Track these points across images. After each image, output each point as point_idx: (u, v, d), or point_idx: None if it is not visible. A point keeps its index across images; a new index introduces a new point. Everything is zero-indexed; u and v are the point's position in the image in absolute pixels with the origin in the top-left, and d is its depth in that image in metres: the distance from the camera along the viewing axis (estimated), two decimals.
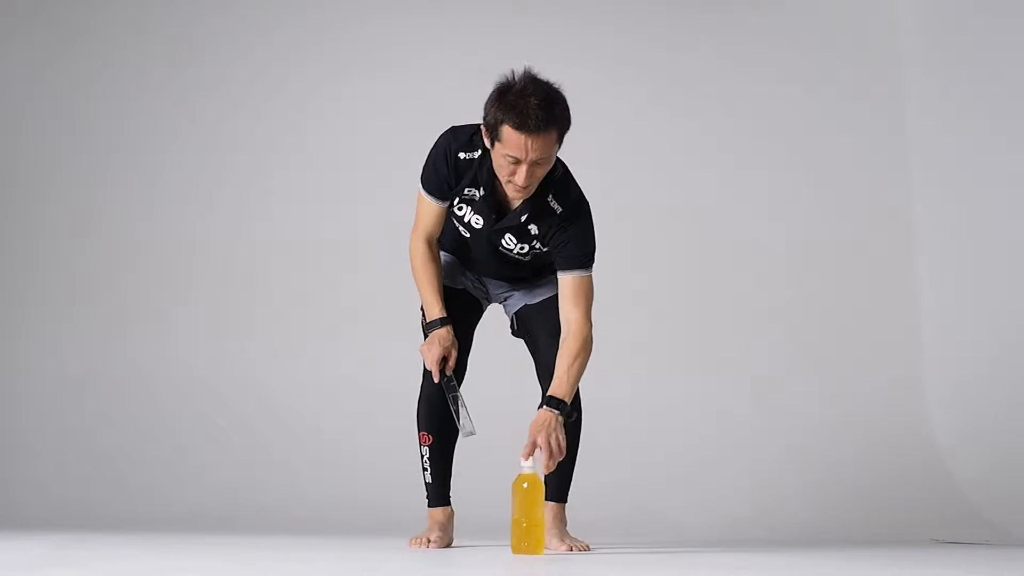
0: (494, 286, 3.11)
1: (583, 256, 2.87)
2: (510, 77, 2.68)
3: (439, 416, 2.95)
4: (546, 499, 2.83)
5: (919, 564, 2.69)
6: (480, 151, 2.83)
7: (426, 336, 2.97)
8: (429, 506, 3.04)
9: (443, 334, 2.91)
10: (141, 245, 4.65)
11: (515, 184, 2.72)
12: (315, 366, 4.58)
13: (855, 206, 5.03)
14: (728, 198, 4.97)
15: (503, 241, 2.91)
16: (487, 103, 2.71)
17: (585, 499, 3.11)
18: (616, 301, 4.43)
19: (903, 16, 5.10)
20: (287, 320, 4.64)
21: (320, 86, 4.82)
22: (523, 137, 2.64)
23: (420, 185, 2.94)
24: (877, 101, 5.08)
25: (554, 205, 2.84)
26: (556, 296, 2.99)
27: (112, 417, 4.42)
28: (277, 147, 4.78)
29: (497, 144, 2.70)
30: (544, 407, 2.74)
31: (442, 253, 3.07)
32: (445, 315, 2.93)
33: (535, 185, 2.77)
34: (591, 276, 2.88)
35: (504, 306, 3.14)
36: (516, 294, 3.10)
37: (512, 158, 2.67)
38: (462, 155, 2.85)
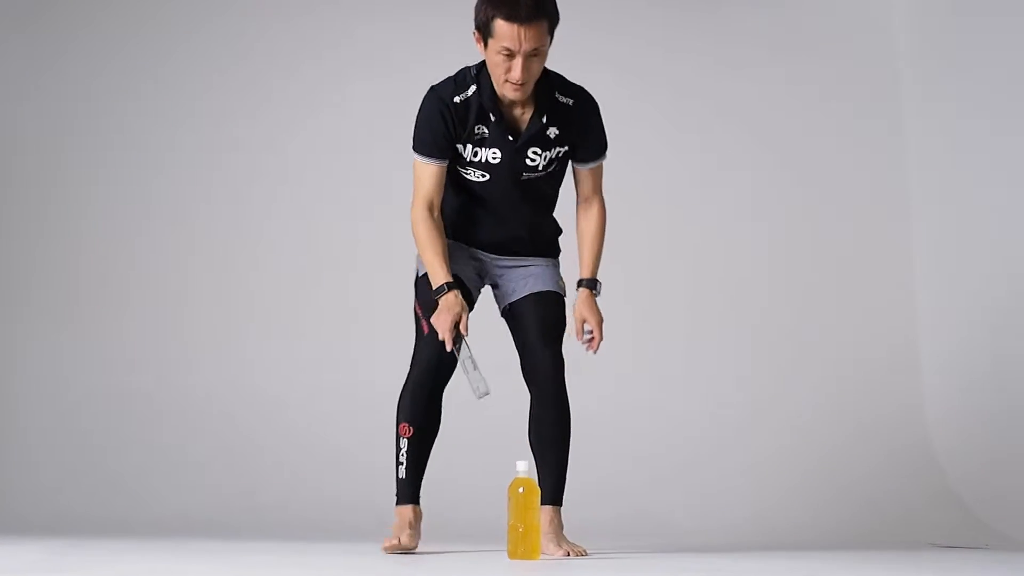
0: (491, 264, 3.08)
1: (601, 145, 3.03)
2: None
3: (423, 409, 2.93)
4: (541, 503, 2.83)
5: (918, 569, 2.70)
6: (473, 86, 2.89)
7: (423, 309, 2.94)
8: (398, 504, 2.97)
9: (451, 299, 2.86)
10: (138, 252, 4.63)
11: (511, 80, 2.80)
12: (314, 369, 4.56)
13: (851, 208, 5.02)
14: (723, 197, 4.96)
15: (527, 160, 2.93)
16: (477, 5, 2.81)
17: (580, 502, 3.11)
18: (609, 302, 4.43)
19: (899, 17, 5.11)
20: (285, 323, 4.63)
21: (317, 100, 4.79)
22: (515, 27, 2.74)
23: (415, 153, 2.95)
24: (872, 102, 5.06)
25: (564, 100, 2.94)
26: (550, 291, 3.04)
27: (109, 422, 4.41)
28: (277, 153, 4.75)
29: (490, 41, 2.78)
30: (584, 288, 3.01)
31: None
32: (451, 279, 2.89)
33: (532, 82, 2.83)
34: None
35: (497, 292, 3.12)
36: (511, 283, 3.06)
37: (506, 51, 2.76)
38: (457, 99, 2.90)
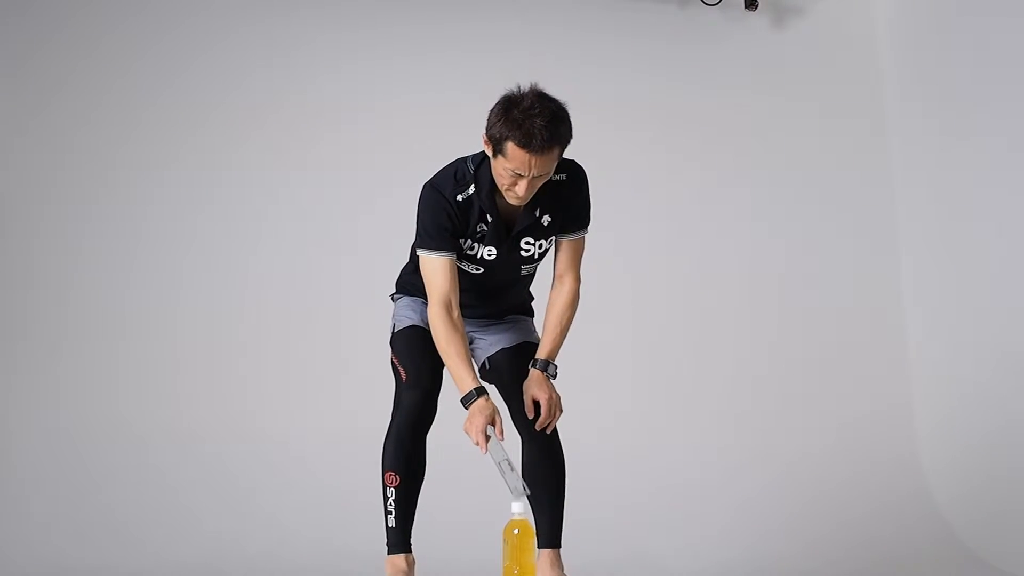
0: (468, 326, 3.05)
1: (586, 218, 2.96)
2: (516, 91, 2.71)
3: (408, 456, 2.87)
4: (539, 547, 2.78)
5: None
6: (472, 186, 2.84)
7: (399, 359, 2.90)
8: (389, 554, 2.91)
9: (482, 404, 2.80)
10: (131, 302, 4.58)
11: (515, 194, 2.76)
12: (306, 413, 4.52)
13: (839, 239, 5.07)
14: (710, 234, 4.98)
15: (521, 252, 2.91)
16: (492, 116, 2.73)
17: (576, 545, 3.05)
18: (608, 344, 4.41)
19: (882, 42, 5.16)
20: (277, 368, 4.59)
21: (305, 135, 4.77)
22: (528, 155, 2.68)
23: (422, 250, 2.88)
24: (862, 135, 5.17)
25: (557, 176, 2.88)
26: (528, 342, 3.03)
27: (102, 466, 4.35)
28: (268, 189, 4.73)
29: (500, 157, 2.72)
30: (536, 370, 2.90)
31: (410, 299, 3.05)
32: (479, 384, 2.84)
33: (532, 194, 2.79)
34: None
35: (472, 348, 3.08)
36: (488, 336, 3.07)
37: (516, 173, 2.71)
38: (459, 197, 2.85)
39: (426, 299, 3.00)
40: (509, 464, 2.74)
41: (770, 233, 5.06)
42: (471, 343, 3.07)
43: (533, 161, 2.68)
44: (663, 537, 4.30)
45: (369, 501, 3.24)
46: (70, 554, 4.04)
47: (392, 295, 3.16)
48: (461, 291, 2.92)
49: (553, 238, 2.95)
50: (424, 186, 2.90)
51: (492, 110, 2.73)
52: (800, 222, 5.09)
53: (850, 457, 4.68)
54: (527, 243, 2.91)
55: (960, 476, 4.52)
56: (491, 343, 3.06)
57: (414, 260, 3.04)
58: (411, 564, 2.91)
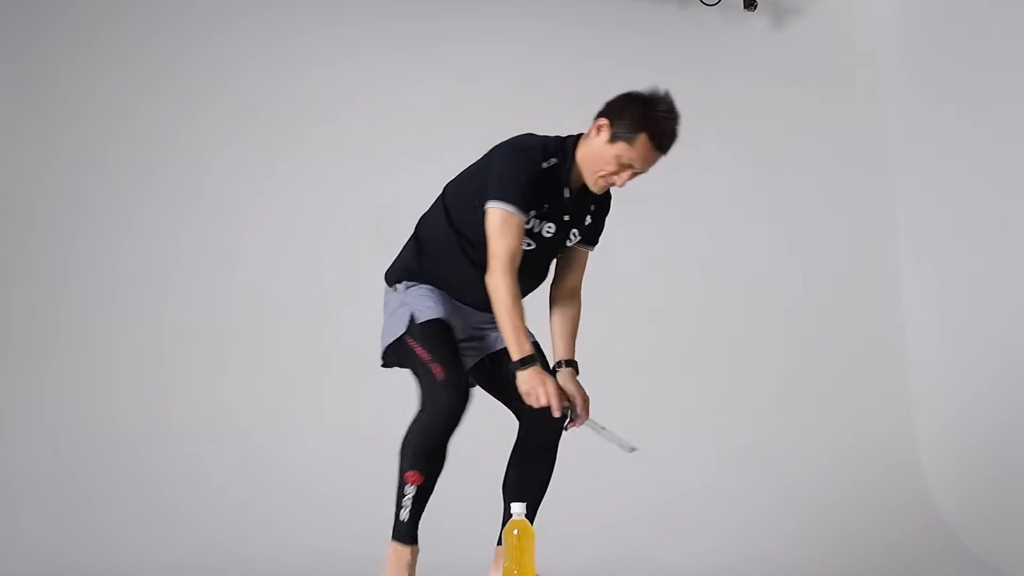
0: (474, 317, 2.98)
1: (601, 232, 3.01)
2: (652, 91, 2.78)
3: (437, 458, 2.77)
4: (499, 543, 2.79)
5: None
6: (554, 158, 2.83)
7: (430, 354, 2.80)
8: (397, 541, 2.82)
9: (541, 368, 2.78)
10: (122, 301, 4.55)
11: (612, 182, 2.82)
12: (302, 416, 4.50)
13: (840, 251, 5.09)
14: (712, 246, 4.98)
15: (568, 239, 2.93)
16: (626, 103, 2.78)
17: (579, 548, 3.02)
18: (613, 355, 4.39)
19: (885, 49, 5.16)
20: (269, 370, 4.56)
21: (303, 139, 4.75)
22: (654, 153, 2.75)
23: (503, 204, 2.76)
24: (862, 135, 5.18)
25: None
26: (535, 343, 2.95)
27: (96, 472, 4.31)
28: (263, 194, 4.72)
29: (620, 144, 2.75)
30: (571, 368, 2.95)
31: (427, 288, 2.94)
32: (533, 352, 2.78)
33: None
34: None
35: (476, 344, 3.00)
36: (495, 332, 2.96)
37: (628, 164, 2.76)
38: (544, 165, 2.83)
39: (446, 288, 2.93)
40: (600, 425, 2.75)
41: (769, 233, 5.06)
42: (481, 338, 3.00)
43: (653, 159, 2.76)
44: (665, 541, 4.29)
45: (369, 501, 3.22)
46: (65, 555, 4.01)
47: (398, 283, 3.00)
48: (480, 273, 2.84)
49: (577, 239, 2.96)
50: (508, 144, 2.85)
51: (621, 101, 2.79)
52: (799, 222, 5.10)
53: (851, 462, 4.67)
54: (574, 233, 2.93)
55: (961, 480, 4.51)
56: (498, 338, 2.92)
57: (438, 237, 2.94)
58: (415, 555, 2.86)
